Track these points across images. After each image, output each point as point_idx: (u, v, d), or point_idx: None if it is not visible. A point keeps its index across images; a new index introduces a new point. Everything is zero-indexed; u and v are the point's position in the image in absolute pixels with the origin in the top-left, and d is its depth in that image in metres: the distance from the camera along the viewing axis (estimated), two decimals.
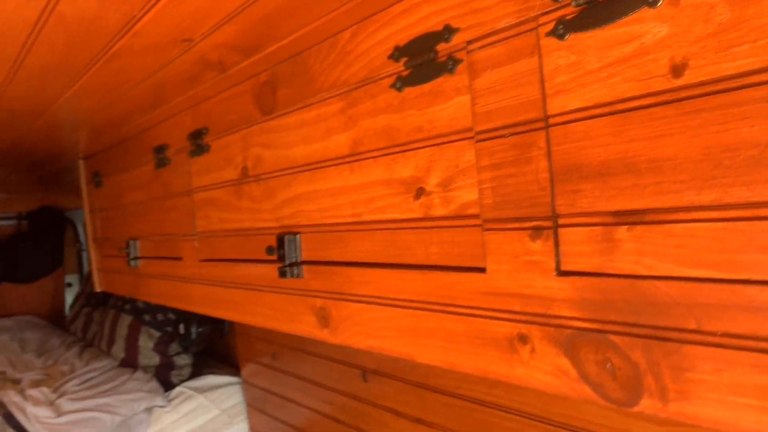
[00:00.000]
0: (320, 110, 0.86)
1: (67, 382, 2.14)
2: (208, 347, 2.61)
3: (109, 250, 1.80)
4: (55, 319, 3.44)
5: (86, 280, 3.21)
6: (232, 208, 1.11)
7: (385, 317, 0.78)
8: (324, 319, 0.89)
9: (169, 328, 2.30)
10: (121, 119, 1.38)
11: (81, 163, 1.92)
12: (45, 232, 3.34)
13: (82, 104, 1.21)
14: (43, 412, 1.90)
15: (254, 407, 2.22)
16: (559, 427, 1.14)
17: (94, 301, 2.97)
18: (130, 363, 2.30)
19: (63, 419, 1.89)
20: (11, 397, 2.01)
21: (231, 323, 2.29)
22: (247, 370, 2.22)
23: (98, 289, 1.92)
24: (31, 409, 1.91)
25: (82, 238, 3.68)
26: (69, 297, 3.67)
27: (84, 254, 3.69)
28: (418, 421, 1.46)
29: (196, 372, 2.35)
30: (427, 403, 1.43)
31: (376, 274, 0.78)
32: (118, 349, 2.36)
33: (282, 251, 0.94)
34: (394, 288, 0.76)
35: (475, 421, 1.30)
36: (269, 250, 0.95)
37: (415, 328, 0.73)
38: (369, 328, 0.80)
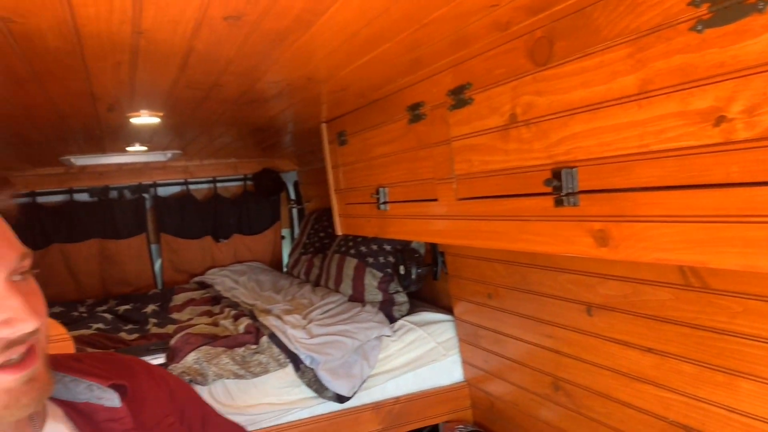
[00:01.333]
0: (603, 57, 0.99)
1: (311, 312, 2.54)
2: (416, 291, 2.90)
3: (353, 198, 2.10)
4: (275, 266, 4.01)
5: (301, 231, 3.69)
6: (497, 151, 1.29)
7: (673, 232, 0.90)
8: (602, 239, 1.04)
9: (389, 270, 2.61)
10: (380, 83, 1.62)
11: (323, 126, 2.25)
12: (266, 191, 3.88)
13: (362, 71, 1.45)
14: (300, 334, 2.31)
15: (466, 341, 2.46)
16: None
17: (312, 249, 3.41)
18: (357, 299, 2.66)
19: (315, 340, 2.27)
20: (272, 322, 2.45)
21: (444, 267, 2.53)
22: (459, 308, 2.46)
23: (339, 232, 2.25)
24: (290, 331, 2.32)
25: (292, 196, 4.20)
26: (284, 248, 4.23)
27: (294, 211, 4.21)
28: (650, 350, 1.56)
29: (411, 310, 2.65)
30: (660, 334, 1.52)
31: (665, 196, 0.91)
32: (346, 287, 2.73)
33: (559, 183, 1.10)
34: (685, 206, 0.88)
35: (715, 349, 1.38)
36: (548, 182, 1.12)
37: (707, 239, 0.85)
38: (656, 243, 0.94)
